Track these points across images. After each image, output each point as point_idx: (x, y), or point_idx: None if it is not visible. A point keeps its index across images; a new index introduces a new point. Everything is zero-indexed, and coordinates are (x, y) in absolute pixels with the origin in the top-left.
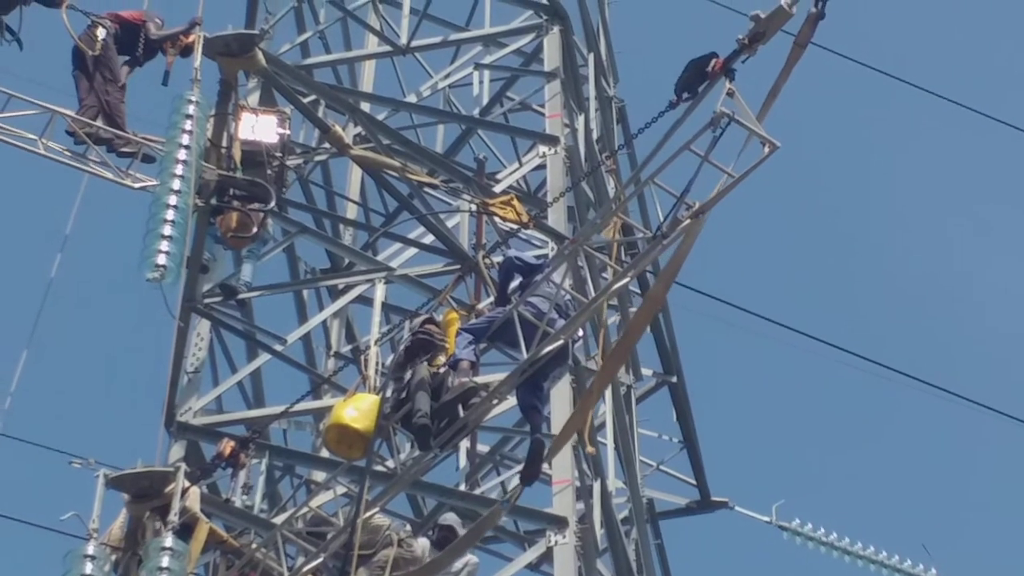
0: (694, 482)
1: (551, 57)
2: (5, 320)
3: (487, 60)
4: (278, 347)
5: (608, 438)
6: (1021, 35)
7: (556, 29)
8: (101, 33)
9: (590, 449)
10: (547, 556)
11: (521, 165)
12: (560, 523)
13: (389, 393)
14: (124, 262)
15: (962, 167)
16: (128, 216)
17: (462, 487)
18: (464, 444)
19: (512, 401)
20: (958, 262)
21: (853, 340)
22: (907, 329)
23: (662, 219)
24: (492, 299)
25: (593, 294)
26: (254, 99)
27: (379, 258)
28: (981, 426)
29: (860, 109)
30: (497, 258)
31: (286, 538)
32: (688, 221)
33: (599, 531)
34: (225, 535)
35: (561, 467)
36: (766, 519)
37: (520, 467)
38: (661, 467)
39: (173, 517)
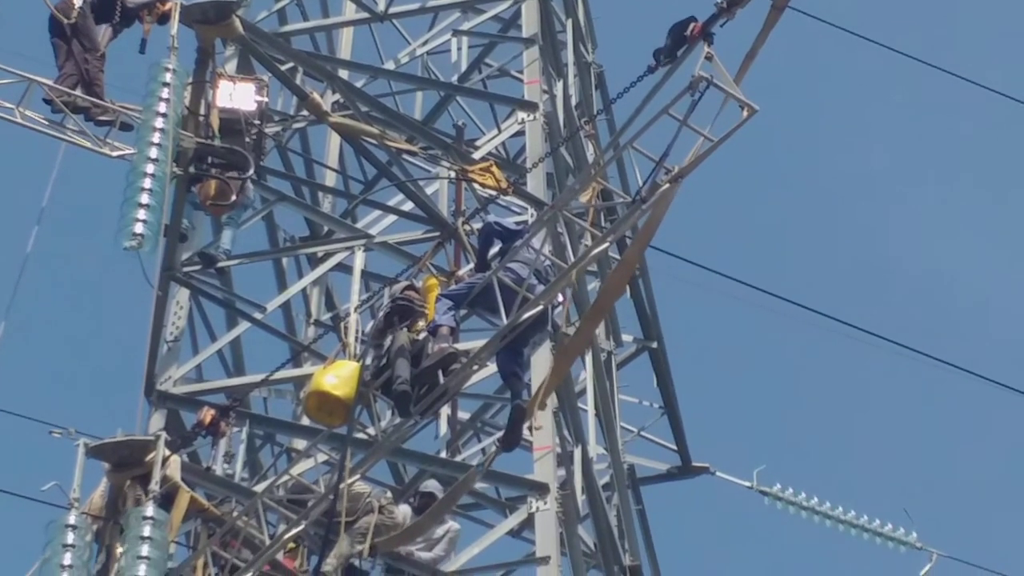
0: (675, 447)
1: (529, 23)
2: None
3: (465, 27)
4: (258, 315)
5: (589, 404)
6: None
7: None
8: (77, 1)
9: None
10: (528, 522)
11: (500, 131)
12: (541, 489)
13: (369, 360)
14: (102, 232)
15: (936, 130)
16: (106, 185)
17: (443, 454)
18: (445, 411)
19: (493, 368)
20: (937, 229)
21: (832, 305)
22: (886, 294)
23: (641, 184)
24: (472, 265)
25: (572, 259)
26: (232, 67)
27: (358, 225)
28: (963, 391)
29: (836, 70)
30: (477, 224)
31: (267, 506)
32: (667, 185)
33: (580, 497)
34: (206, 503)
35: (542, 433)
36: (747, 484)
37: (501, 433)
38: (642, 433)
39: (154, 486)
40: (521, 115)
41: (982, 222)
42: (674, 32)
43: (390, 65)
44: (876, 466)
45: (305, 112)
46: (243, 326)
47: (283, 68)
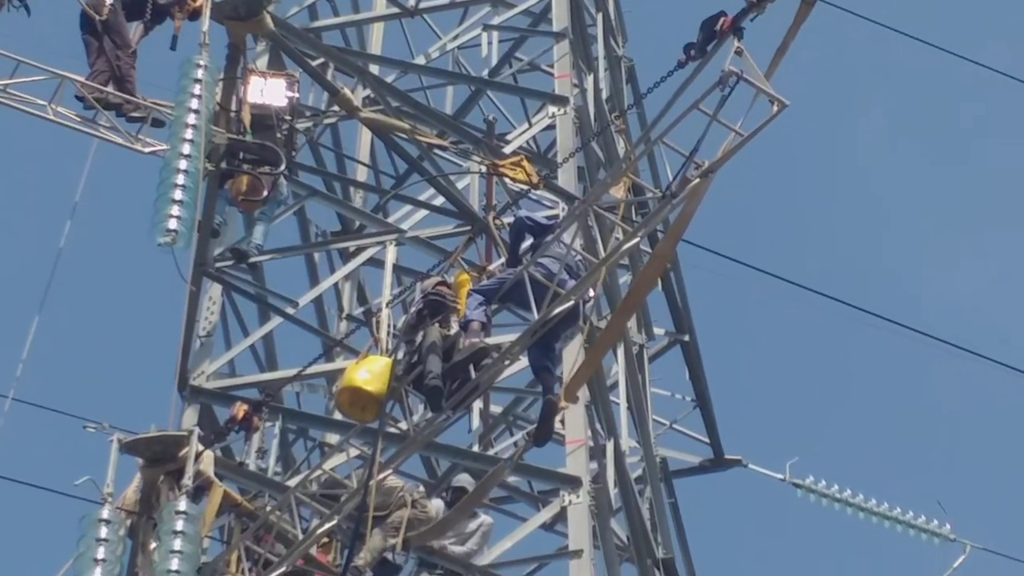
0: (707, 440)
1: (559, 17)
2: (17, 287)
3: (495, 21)
4: (290, 310)
5: (621, 397)
6: None
7: None
8: None
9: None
10: (561, 516)
11: (531, 126)
12: (574, 483)
13: (401, 355)
14: (135, 228)
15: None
16: (139, 181)
17: (475, 448)
18: (477, 405)
19: (525, 362)
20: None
21: (864, 297)
22: (921, 286)
23: (671, 178)
24: (503, 260)
25: (603, 254)
26: (263, 62)
27: (390, 220)
28: (998, 383)
29: (864, 64)
30: (508, 219)
31: (300, 500)
32: (697, 180)
33: (613, 490)
34: (239, 498)
35: (574, 427)
36: (780, 476)
37: (533, 427)
38: (674, 426)
39: (187, 481)
40: (552, 109)
41: None
42: (705, 27)
43: (421, 60)
44: (909, 458)
45: (336, 107)
46: (275, 321)
47: (314, 64)
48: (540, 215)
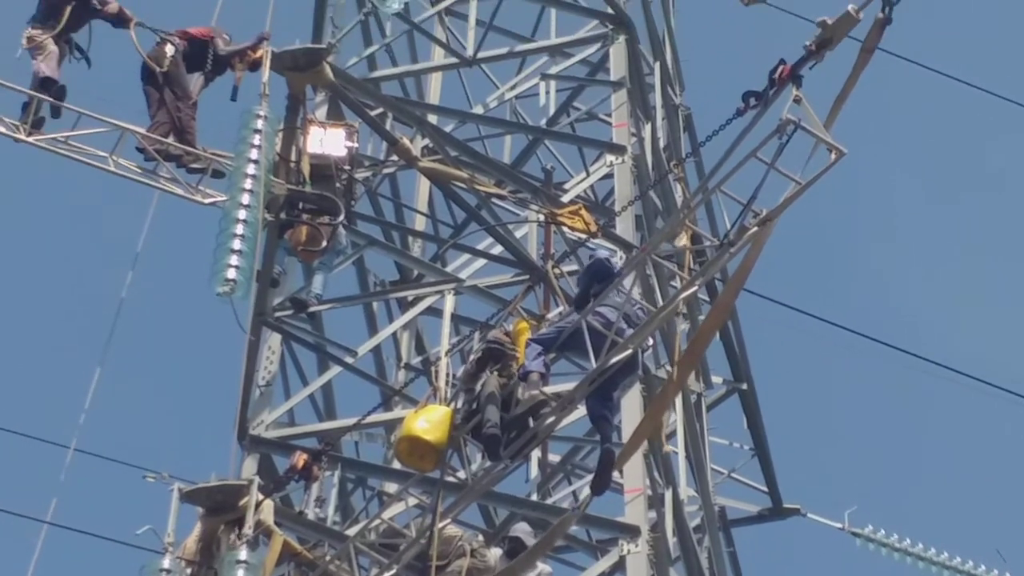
0: (766, 489)
1: (617, 66)
2: (78, 337)
3: (553, 70)
4: (349, 359)
5: (679, 446)
6: None
7: (622, 38)
8: (170, 50)
9: (667, 448)
10: (620, 565)
11: (588, 175)
12: (632, 532)
13: (460, 404)
14: (195, 277)
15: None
16: (199, 231)
17: (533, 497)
18: (535, 454)
19: (583, 410)
20: None
21: (923, 345)
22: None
23: (729, 227)
24: (561, 308)
25: (662, 303)
26: (322, 112)
27: (448, 269)
28: None
29: (929, 117)
30: (568, 267)
31: (359, 550)
32: (755, 229)
33: (671, 539)
34: (299, 547)
35: (632, 476)
36: (839, 526)
37: (591, 476)
38: (732, 474)
39: (247, 530)
40: (609, 158)
41: None
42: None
43: (479, 109)
44: (969, 507)
45: (395, 157)
46: (334, 370)
47: (373, 113)
48: (616, 259)
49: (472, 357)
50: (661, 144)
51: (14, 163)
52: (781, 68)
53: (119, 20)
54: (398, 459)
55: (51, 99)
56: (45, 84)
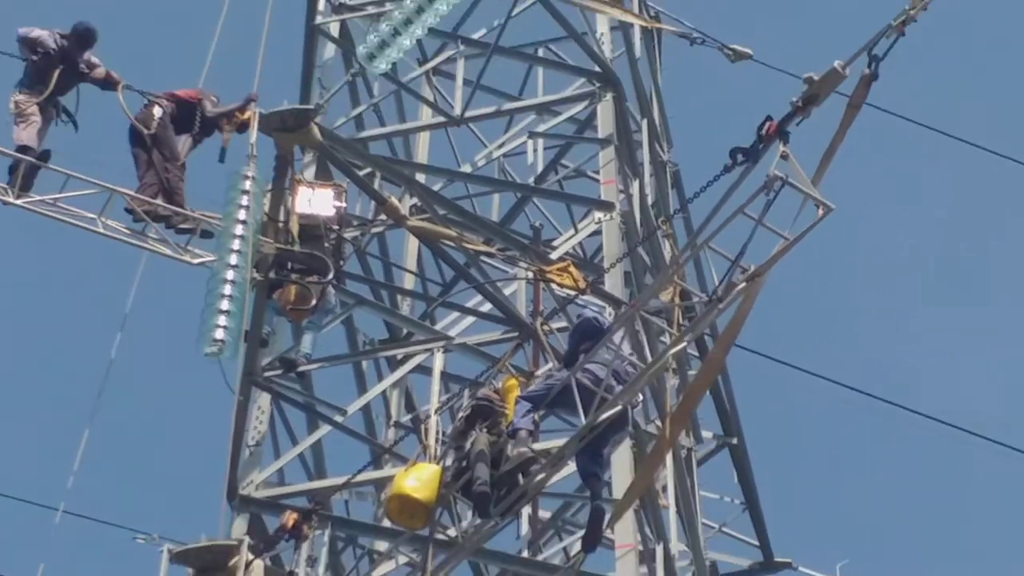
0: (757, 543)
1: (605, 123)
2: (67, 398)
3: (541, 128)
4: (338, 418)
5: (670, 501)
6: None
7: (609, 96)
8: (157, 112)
9: (663, 502)
10: None
11: (577, 231)
12: None
13: (450, 462)
14: (184, 338)
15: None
16: (187, 292)
17: (524, 554)
18: (526, 510)
19: (573, 466)
20: None
21: (914, 399)
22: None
23: (717, 283)
24: (550, 365)
25: (651, 359)
26: (310, 173)
27: (437, 327)
28: None
29: (918, 169)
30: (556, 324)
31: None
32: (743, 284)
33: None
34: None
35: (624, 531)
36: None
37: (582, 533)
38: (724, 529)
39: None
40: (598, 215)
41: None
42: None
43: (467, 168)
44: (962, 561)
45: (383, 216)
46: (324, 429)
47: (361, 173)
48: (605, 316)
49: (461, 414)
50: (649, 200)
51: (2, 225)
52: (768, 124)
53: (107, 83)
54: (388, 517)
55: (36, 160)
56: (23, 152)
